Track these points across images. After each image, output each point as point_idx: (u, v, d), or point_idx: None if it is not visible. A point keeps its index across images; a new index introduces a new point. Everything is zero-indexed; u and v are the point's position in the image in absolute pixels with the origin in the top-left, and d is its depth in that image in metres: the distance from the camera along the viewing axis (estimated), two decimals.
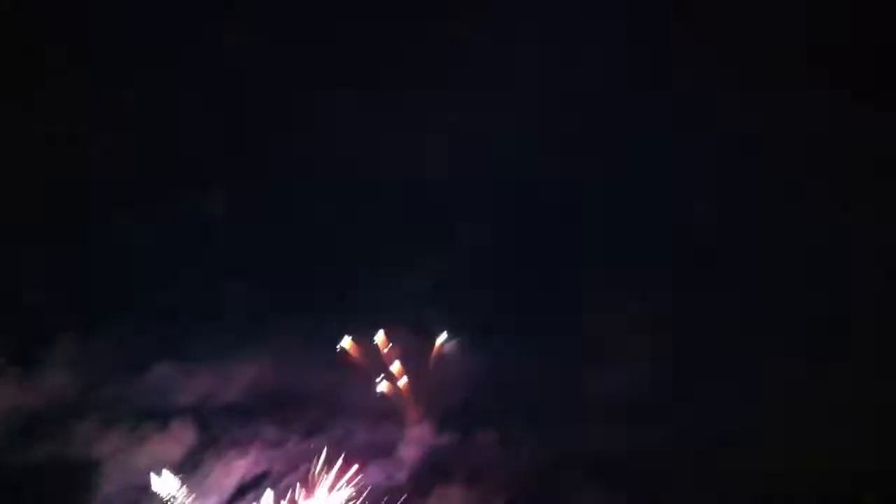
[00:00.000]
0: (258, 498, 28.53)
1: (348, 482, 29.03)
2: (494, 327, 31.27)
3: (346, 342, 30.58)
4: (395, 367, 31.05)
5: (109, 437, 27.61)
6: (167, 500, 27.16)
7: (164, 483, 27.29)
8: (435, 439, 30.95)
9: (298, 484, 28.69)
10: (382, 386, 30.88)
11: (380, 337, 30.73)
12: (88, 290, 27.93)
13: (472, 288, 31.03)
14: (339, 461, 28.68)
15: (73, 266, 27.65)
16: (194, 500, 27.92)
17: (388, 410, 31.06)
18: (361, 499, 29.01)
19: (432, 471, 30.39)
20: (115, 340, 27.82)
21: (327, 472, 29.18)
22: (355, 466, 28.71)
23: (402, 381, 31.21)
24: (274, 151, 30.88)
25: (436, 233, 31.11)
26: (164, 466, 27.72)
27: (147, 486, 27.58)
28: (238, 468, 29.00)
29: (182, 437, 28.46)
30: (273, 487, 28.76)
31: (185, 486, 27.69)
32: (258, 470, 29.24)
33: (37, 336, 27.21)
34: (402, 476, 30.07)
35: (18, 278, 27.23)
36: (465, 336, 31.61)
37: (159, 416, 28.27)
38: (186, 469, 28.27)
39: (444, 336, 31.64)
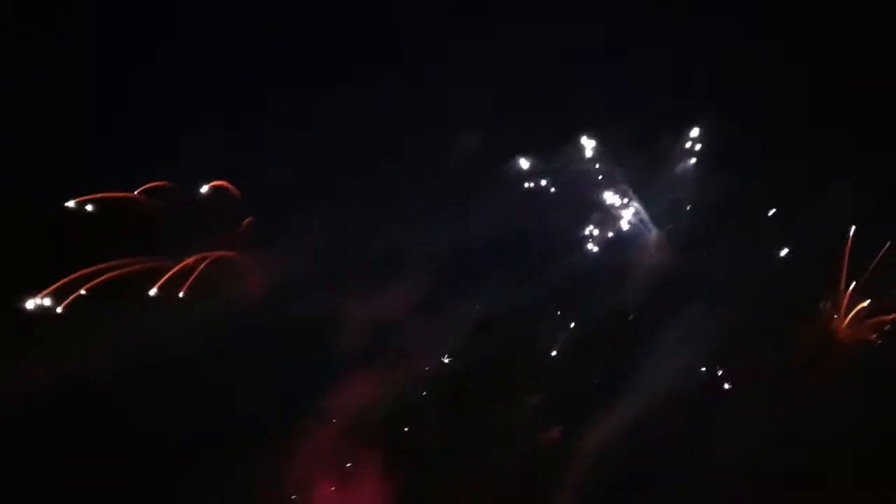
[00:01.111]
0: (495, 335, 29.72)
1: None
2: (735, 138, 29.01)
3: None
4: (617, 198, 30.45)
5: (352, 292, 28.90)
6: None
7: None
8: (669, 258, 30.44)
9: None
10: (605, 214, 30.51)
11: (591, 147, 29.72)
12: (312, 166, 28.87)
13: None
14: None
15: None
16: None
17: (618, 238, 30.68)
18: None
19: (667, 291, 30.06)
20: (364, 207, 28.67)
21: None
22: None
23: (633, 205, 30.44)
24: None
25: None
26: (403, 313, 29.01)
27: (385, 331, 29.07)
28: (473, 312, 30.12)
29: (419, 286, 29.24)
30: (508, 324, 29.93)
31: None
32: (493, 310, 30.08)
33: (280, 208, 28.29)
34: (636, 300, 30.21)
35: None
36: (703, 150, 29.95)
37: (396, 271, 29.14)
38: (425, 312, 29.42)
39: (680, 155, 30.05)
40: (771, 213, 30.07)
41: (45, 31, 25.29)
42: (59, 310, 25.50)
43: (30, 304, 25.29)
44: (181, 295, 26.85)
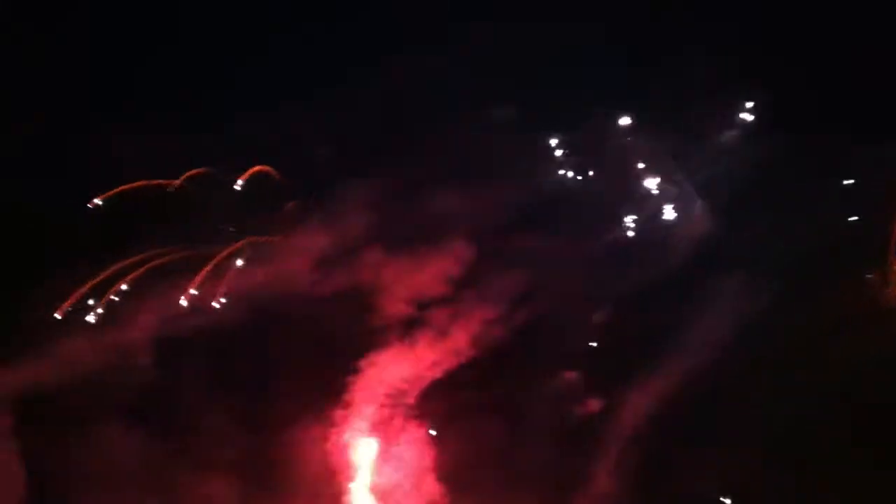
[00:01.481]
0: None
1: None
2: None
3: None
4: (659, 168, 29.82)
5: (392, 263, 29.68)
6: None
7: None
8: (702, 228, 29.61)
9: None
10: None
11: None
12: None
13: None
14: None
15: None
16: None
17: (660, 209, 30.13)
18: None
19: (701, 261, 29.37)
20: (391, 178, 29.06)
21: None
22: None
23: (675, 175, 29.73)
24: None
25: None
26: (442, 284, 29.65)
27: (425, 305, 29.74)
28: (511, 279, 30.08)
29: (458, 255, 29.77)
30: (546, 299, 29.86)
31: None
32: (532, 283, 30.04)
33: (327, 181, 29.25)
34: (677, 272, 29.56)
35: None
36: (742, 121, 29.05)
37: (436, 239, 29.65)
38: (465, 282, 29.85)
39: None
40: (847, 183, 28.93)
41: (72, 19, 25.71)
42: (98, 311, 26.61)
43: (72, 299, 26.44)
44: (219, 303, 27.75)
